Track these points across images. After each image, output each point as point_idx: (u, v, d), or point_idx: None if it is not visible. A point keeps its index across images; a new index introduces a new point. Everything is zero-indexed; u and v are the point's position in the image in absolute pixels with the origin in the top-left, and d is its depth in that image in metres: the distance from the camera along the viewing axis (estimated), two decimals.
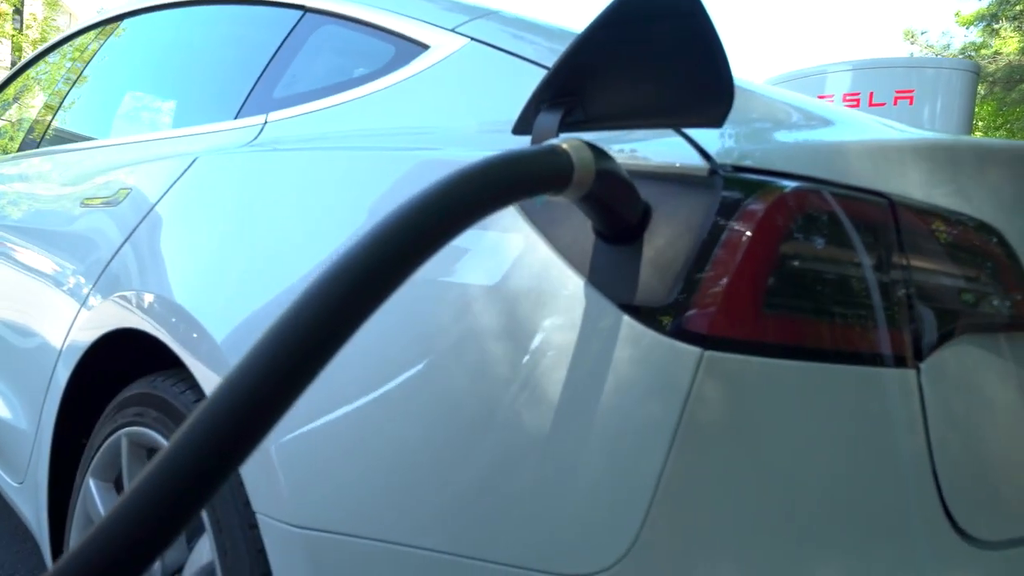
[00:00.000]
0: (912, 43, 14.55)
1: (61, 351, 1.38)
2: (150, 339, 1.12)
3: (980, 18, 13.73)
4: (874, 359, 0.69)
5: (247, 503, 0.90)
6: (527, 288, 0.74)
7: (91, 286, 1.34)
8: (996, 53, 13.07)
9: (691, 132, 0.75)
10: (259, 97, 1.40)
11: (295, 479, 0.84)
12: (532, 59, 1.01)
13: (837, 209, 0.70)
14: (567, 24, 1.12)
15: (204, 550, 1.02)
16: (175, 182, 1.26)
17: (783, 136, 0.85)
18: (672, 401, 0.65)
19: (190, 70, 1.87)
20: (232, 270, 1.06)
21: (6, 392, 1.68)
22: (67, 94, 2.20)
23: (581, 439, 0.68)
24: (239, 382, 0.44)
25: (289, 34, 1.43)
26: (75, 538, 1.31)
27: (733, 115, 0.69)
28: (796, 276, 0.68)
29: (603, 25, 0.68)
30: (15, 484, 1.58)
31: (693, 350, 0.65)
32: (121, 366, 1.31)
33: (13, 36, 15.28)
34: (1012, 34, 12.69)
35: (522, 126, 0.75)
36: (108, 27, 2.15)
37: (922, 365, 0.71)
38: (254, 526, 0.89)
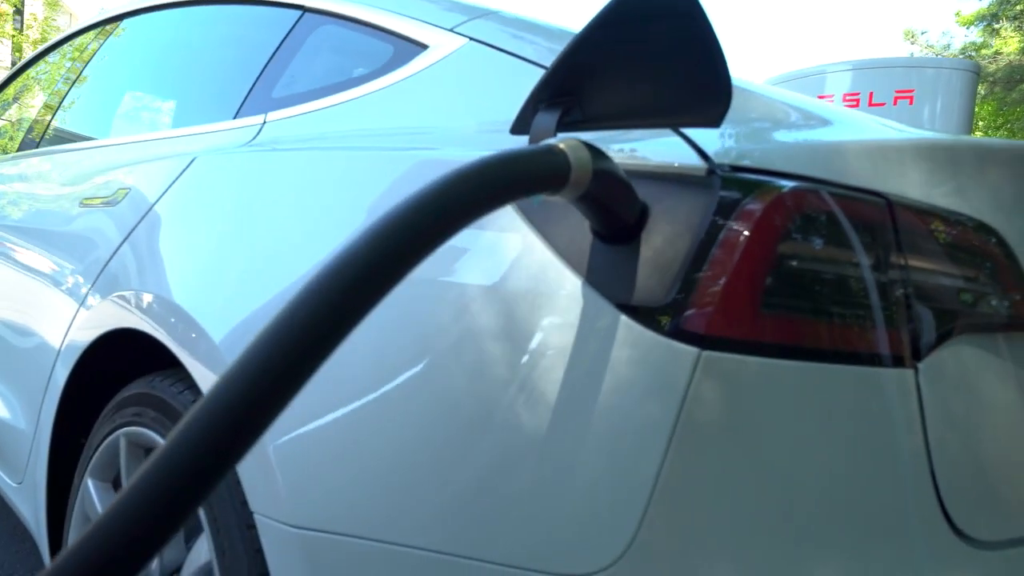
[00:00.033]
0: (912, 43, 14.55)
1: (60, 351, 1.38)
2: (148, 339, 1.12)
3: (980, 18, 13.73)
4: (872, 359, 0.69)
5: (245, 503, 0.90)
6: (524, 288, 0.74)
7: (90, 286, 1.34)
8: (996, 53, 13.07)
9: (689, 132, 0.75)
10: (258, 97, 1.40)
11: (293, 479, 0.84)
12: (531, 59, 1.01)
13: (835, 209, 0.69)
14: (566, 24, 1.12)
15: (202, 550, 1.02)
16: (174, 182, 1.26)
17: (781, 136, 0.85)
18: (669, 401, 0.65)
19: (189, 70, 1.87)
20: (231, 270, 1.06)
21: (5, 392, 1.68)
22: (66, 94, 2.20)
23: (578, 439, 0.68)
24: (236, 380, 0.44)
25: (288, 34, 1.44)
26: (73, 538, 1.31)
27: (731, 115, 0.69)
28: (794, 276, 0.68)
29: (601, 25, 0.68)
30: (14, 484, 1.58)
31: (690, 350, 0.65)
32: (120, 366, 1.31)
33: (13, 36, 15.28)
34: (1012, 34, 12.69)
35: (520, 126, 0.75)
36: (108, 27, 2.15)
37: (920, 365, 0.71)
38: (252, 526, 0.89)
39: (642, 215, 0.70)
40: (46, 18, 16.77)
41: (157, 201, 1.27)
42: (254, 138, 1.28)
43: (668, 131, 0.76)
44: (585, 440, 0.68)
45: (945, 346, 0.73)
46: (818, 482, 0.68)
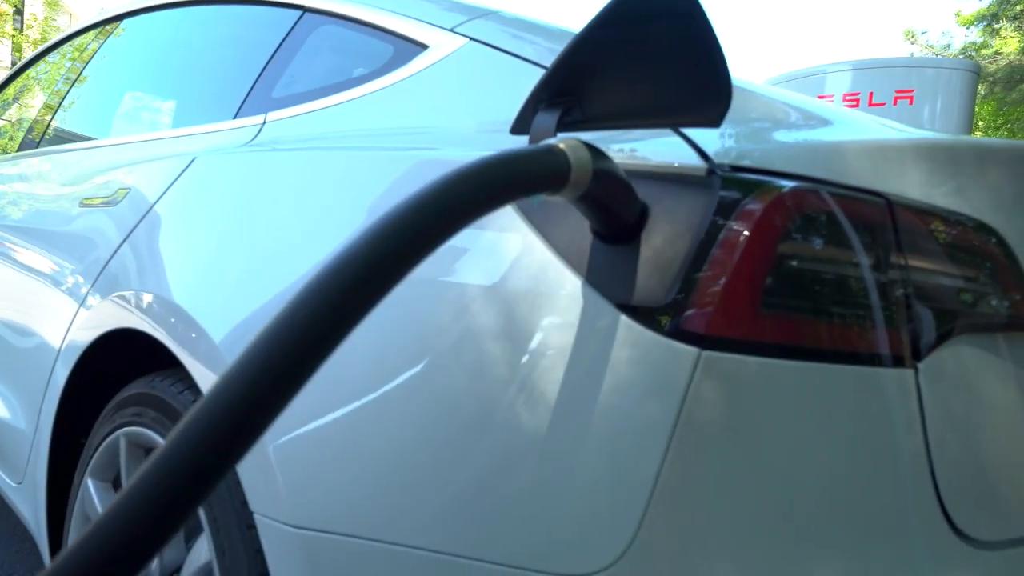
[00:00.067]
0: (912, 43, 14.55)
1: (60, 351, 1.38)
2: (149, 339, 1.12)
3: (980, 18, 13.73)
4: (872, 359, 0.69)
5: (245, 503, 0.90)
6: (524, 288, 0.74)
7: (90, 286, 1.34)
8: (996, 53, 13.06)
9: (689, 132, 0.75)
10: (258, 97, 1.40)
11: (293, 479, 0.84)
12: (531, 59, 1.01)
13: (835, 209, 0.69)
14: (566, 24, 1.12)
15: (202, 550, 1.02)
16: (174, 182, 1.26)
17: (781, 136, 0.85)
18: (669, 401, 0.65)
19: (189, 70, 1.87)
20: (230, 270, 1.06)
21: (5, 392, 1.68)
22: (66, 94, 2.20)
23: (578, 439, 0.68)
24: (235, 380, 0.44)
25: (288, 34, 1.44)
26: (73, 538, 1.31)
27: (731, 115, 0.69)
28: (794, 276, 0.68)
29: (601, 25, 0.68)
30: (14, 484, 1.58)
31: (690, 350, 0.65)
32: (120, 366, 1.31)
33: (13, 36, 15.27)
34: (1012, 34, 12.69)
35: (520, 126, 0.75)
36: (108, 27, 2.15)
37: (920, 365, 0.71)
38: (252, 526, 0.89)
39: (642, 215, 0.70)
40: (46, 18, 16.77)
41: (157, 201, 1.27)
42: (254, 138, 1.28)
43: (668, 131, 0.76)
44: (585, 440, 0.68)
45: (945, 346, 0.73)
46: (818, 482, 0.68)
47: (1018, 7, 12.63)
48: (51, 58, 2.49)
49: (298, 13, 1.45)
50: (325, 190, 1.01)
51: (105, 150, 1.72)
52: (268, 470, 0.85)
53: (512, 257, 0.76)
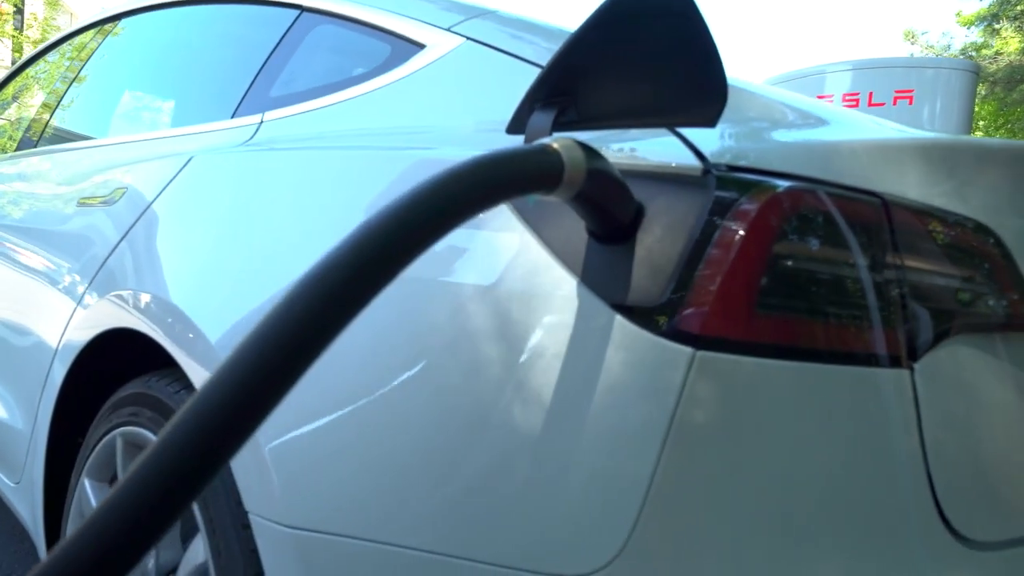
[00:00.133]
0: (912, 43, 14.54)
1: (57, 350, 1.38)
2: (145, 338, 1.12)
3: (981, 18, 13.72)
4: (868, 359, 0.69)
5: (240, 503, 0.90)
6: (519, 288, 0.73)
7: (87, 285, 1.34)
8: (997, 53, 13.06)
9: (685, 132, 0.75)
10: (255, 96, 1.39)
11: (288, 479, 0.84)
12: (528, 58, 1.00)
13: (831, 209, 0.69)
14: (563, 23, 1.12)
15: (198, 550, 1.02)
16: (171, 181, 1.26)
17: (778, 135, 0.85)
18: (664, 401, 0.65)
19: (187, 69, 1.86)
20: (227, 270, 1.06)
21: (2, 391, 1.68)
22: (65, 93, 2.20)
23: (573, 439, 0.68)
24: (226, 378, 0.43)
25: (286, 33, 1.43)
26: None
27: (728, 114, 0.69)
28: (789, 276, 0.68)
29: (596, 25, 0.68)
30: (11, 484, 1.58)
31: (685, 350, 0.65)
32: (117, 365, 1.30)
33: (14, 36, 15.27)
34: (1013, 34, 12.68)
35: (516, 125, 0.74)
36: (106, 26, 2.15)
37: (916, 365, 0.71)
38: (247, 526, 0.89)
39: (637, 215, 0.70)
40: (46, 18, 16.77)
41: (154, 200, 1.27)
42: (251, 137, 1.28)
43: (664, 131, 0.76)
44: (580, 440, 0.67)
45: (941, 346, 0.73)
46: (813, 483, 0.67)
47: (1019, 7, 12.62)
48: (50, 57, 2.49)
49: (296, 12, 1.45)
50: (322, 190, 1.01)
51: (103, 149, 1.72)
52: (263, 470, 0.85)
53: (507, 257, 0.76)
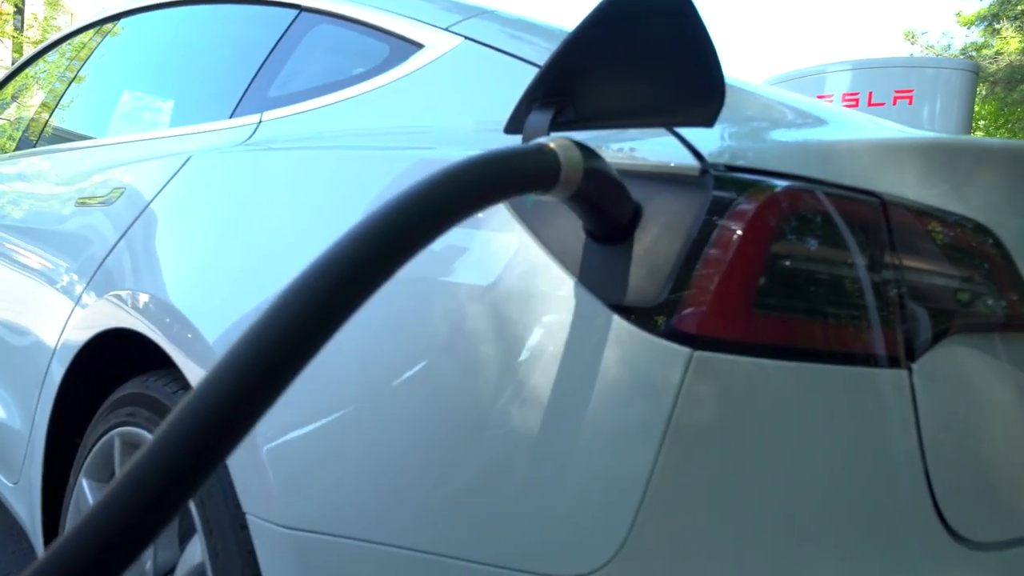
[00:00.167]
0: (912, 43, 14.53)
1: (55, 350, 1.38)
2: (144, 338, 1.12)
3: (981, 18, 13.71)
4: (866, 359, 0.69)
5: (238, 504, 0.90)
6: (517, 288, 0.73)
7: (85, 285, 1.34)
8: (997, 53, 13.04)
9: (684, 131, 0.75)
10: (254, 96, 1.39)
11: (285, 480, 0.84)
12: (526, 58, 1.00)
13: (829, 208, 0.69)
14: (562, 23, 1.11)
15: (196, 551, 1.02)
16: (169, 181, 1.26)
17: (776, 135, 0.85)
18: (662, 401, 0.65)
19: (186, 69, 1.86)
20: (226, 270, 1.06)
21: (0, 391, 1.68)
22: (64, 93, 2.20)
23: (570, 439, 0.68)
24: (223, 376, 0.43)
25: (284, 33, 1.43)
26: None
27: (726, 114, 0.69)
28: (787, 276, 0.68)
29: (593, 24, 0.68)
30: (10, 484, 1.58)
31: (683, 350, 0.65)
32: (115, 366, 1.30)
33: (14, 37, 15.26)
34: (1013, 34, 12.67)
35: (513, 125, 0.74)
36: (105, 26, 2.15)
37: (914, 365, 0.70)
38: (244, 527, 0.88)
39: (635, 215, 0.70)
40: (46, 18, 16.76)
41: (152, 200, 1.27)
42: (250, 137, 1.28)
43: (662, 131, 0.76)
44: (577, 440, 0.67)
45: (939, 346, 0.72)
46: (811, 483, 0.67)
47: (1019, 7, 12.61)
48: (49, 57, 2.49)
49: (294, 12, 1.44)
50: (321, 190, 1.01)
51: (101, 149, 1.72)
52: (261, 471, 0.85)
53: (505, 257, 0.76)
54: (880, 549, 0.68)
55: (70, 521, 1.30)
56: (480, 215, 0.77)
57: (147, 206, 1.28)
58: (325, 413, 0.82)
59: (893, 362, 0.69)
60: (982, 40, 14.02)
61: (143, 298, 1.15)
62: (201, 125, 1.45)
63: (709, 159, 0.70)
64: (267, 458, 0.85)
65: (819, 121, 0.91)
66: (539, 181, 0.60)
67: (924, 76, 6.60)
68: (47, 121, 2.20)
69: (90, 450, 1.26)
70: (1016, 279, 0.78)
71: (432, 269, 0.78)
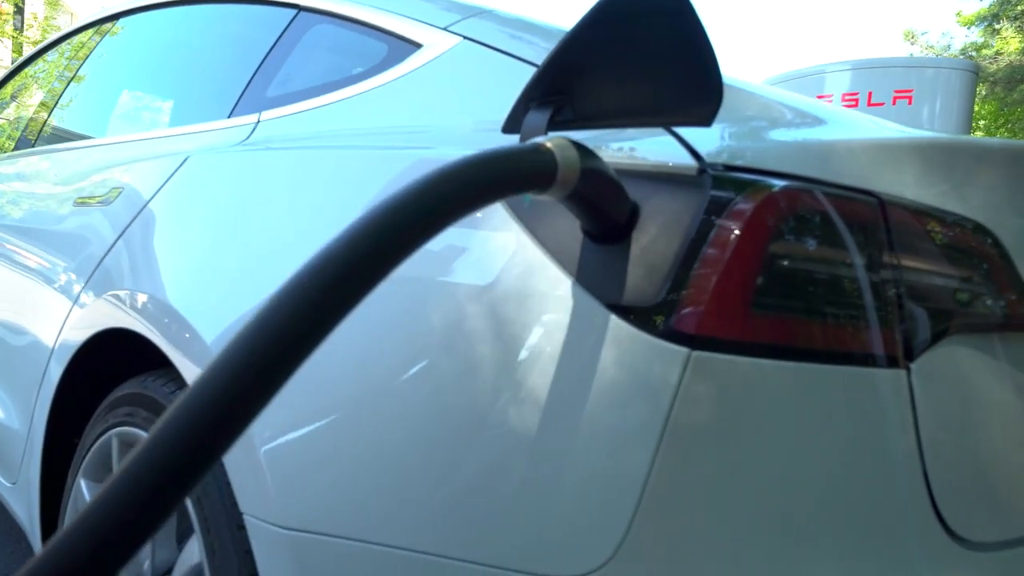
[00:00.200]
0: (912, 43, 14.53)
1: (53, 350, 1.38)
2: (142, 338, 1.12)
3: (981, 18, 13.71)
4: (864, 359, 0.68)
5: (235, 504, 0.90)
6: (515, 288, 0.73)
7: (83, 284, 1.34)
8: (997, 53, 13.04)
9: (682, 131, 0.75)
10: (252, 96, 1.39)
11: (282, 480, 0.84)
12: (525, 58, 1.00)
13: (827, 208, 0.69)
14: (560, 23, 1.11)
15: (193, 551, 1.02)
16: (167, 181, 1.26)
17: (774, 135, 0.85)
18: (659, 401, 0.65)
19: (185, 69, 1.86)
20: (223, 270, 1.06)
21: None
22: (62, 93, 2.20)
23: (568, 439, 0.67)
24: (218, 373, 0.43)
25: (283, 33, 1.43)
26: None
27: (724, 114, 0.68)
28: (785, 276, 0.68)
29: (591, 24, 0.68)
30: (8, 484, 1.58)
31: (680, 350, 0.65)
32: (113, 366, 1.30)
33: (14, 37, 15.26)
34: (1013, 34, 12.67)
35: (511, 125, 0.74)
36: (105, 26, 2.15)
37: (913, 365, 0.70)
38: (242, 527, 0.88)
39: (633, 214, 0.70)
40: (46, 18, 16.75)
41: (150, 200, 1.27)
42: (248, 137, 1.28)
43: (660, 130, 0.76)
44: (575, 440, 0.67)
45: (938, 346, 0.72)
46: (809, 483, 0.67)
47: (1019, 7, 12.61)
48: (49, 57, 2.49)
49: (293, 12, 1.44)
50: (319, 189, 1.01)
51: (100, 149, 1.71)
52: (258, 471, 0.85)
53: (503, 257, 0.75)
54: (878, 549, 0.68)
55: (68, 521, 1.30)
56: (478, 215, 0.77)
57: (145, 206, 1.27)
58: (322, 413, 0.82)
59: (891, 362, 0.69)
60: (982, 40, 14.02)
61: (141, 298, 1.15)
62: (199, 125, 1.45)
63: (707, 159, 0.70)
64: (264, 458, 0.84)
65: (817, 121, 0.91)
66: (536, 181, 0.60)
67: (924, 76, 6.60)
68: (46, 121, 2.20)
69: (88, 450, 1.26)
70: (1015, 279, 0.78)
71: (430, 268, 0.78)
